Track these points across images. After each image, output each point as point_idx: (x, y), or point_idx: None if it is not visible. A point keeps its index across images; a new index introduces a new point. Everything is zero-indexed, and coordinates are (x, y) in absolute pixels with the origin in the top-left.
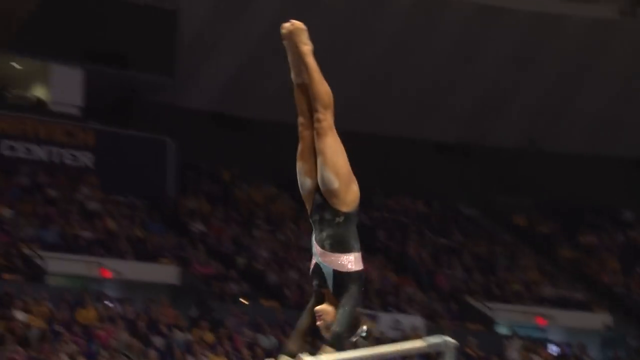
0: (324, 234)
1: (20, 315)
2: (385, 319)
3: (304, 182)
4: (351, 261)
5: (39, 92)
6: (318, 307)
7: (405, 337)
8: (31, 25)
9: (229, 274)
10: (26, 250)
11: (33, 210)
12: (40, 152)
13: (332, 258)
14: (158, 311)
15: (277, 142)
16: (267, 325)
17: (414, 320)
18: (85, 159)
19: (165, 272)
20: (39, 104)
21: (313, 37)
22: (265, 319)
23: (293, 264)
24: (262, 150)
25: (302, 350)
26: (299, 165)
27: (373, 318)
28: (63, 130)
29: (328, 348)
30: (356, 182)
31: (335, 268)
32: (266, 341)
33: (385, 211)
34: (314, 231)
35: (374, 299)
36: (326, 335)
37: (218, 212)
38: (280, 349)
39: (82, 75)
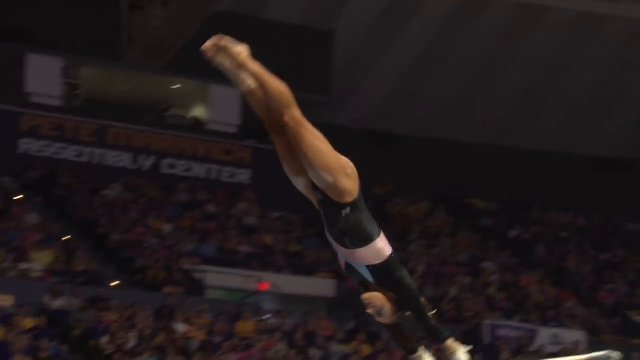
0: (337, 229)
1: (180, 327)
2: (545, 333)
3: (296, 181)
4: (378, 249)
5: (198, 111)
6: (364, 295)
7: (565, 352)
8: (191, 47)
9: None
10: (186, 265)
11: (192, 225)
12: (199, 170)
13: (359, 254)
14: (315, 324)
15: (431, 158)
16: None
17: (575, 334)
18: (243, 175)
19: (321, 286)
20: (197, 123)
21: (468, 54)
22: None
23: (449, 279)
24: (416, 166)
25: (414, 345)
26: (285, 167)
27: (532, 332)
28: (221, 148)
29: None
30: (349, 164)
31: (368, 263)
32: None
33: (544, 225)
34: (325, 226)
35: (533, 312)
36: (380, 319)
37: None
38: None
39: (239, 95)
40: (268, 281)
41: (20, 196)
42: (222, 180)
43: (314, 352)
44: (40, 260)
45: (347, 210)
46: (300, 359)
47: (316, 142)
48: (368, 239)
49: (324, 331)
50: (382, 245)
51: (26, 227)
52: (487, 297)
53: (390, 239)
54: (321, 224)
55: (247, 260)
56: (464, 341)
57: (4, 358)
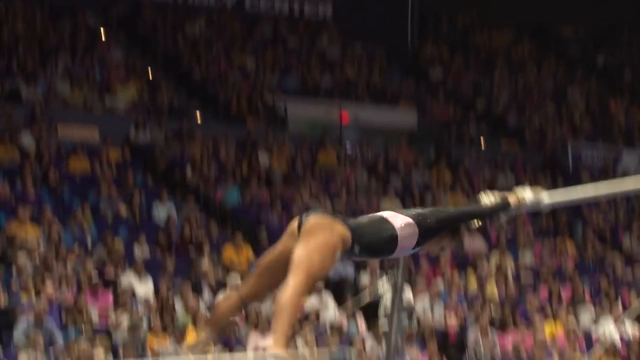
0: (372, 257)
1: (263, 159)
2: (629, 157)
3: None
4: (407, 235)
5: None
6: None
7: None
8: None
9: (468, 116)
10: (268, 97)
11: (274, 59)
12: (281, 5)
13: (402, 250)
14: (396, 154)
15: None
16: (506, 165)
17: None
18: (325, 9)
19: (403, 117)
20: None
21: None
22: (504, 160)
23: (534, 107)
24: None
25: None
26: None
27: (617, 155)
28: None
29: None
30: (326, 240)
31: (413, 246)
32: (504, 180)
33: (632, 51)
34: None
35: (618, 137)
36: (438, 250)
37: (457, 58)
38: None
39: None
40: (350, 113)
41: (105, 32)
42: (305, 16)
43: (395, 181)
44: (125, 95)
45: (356, 249)
46: (381, 188)
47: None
48: (394, 240)
49: (406, 161)
50: (403, 224)
51: (111, 63)
52: (572, 124)
53: (474, 69)
54: (404, 56)
55: (330, 92)
56: (547, 167)
57: (92, 189)
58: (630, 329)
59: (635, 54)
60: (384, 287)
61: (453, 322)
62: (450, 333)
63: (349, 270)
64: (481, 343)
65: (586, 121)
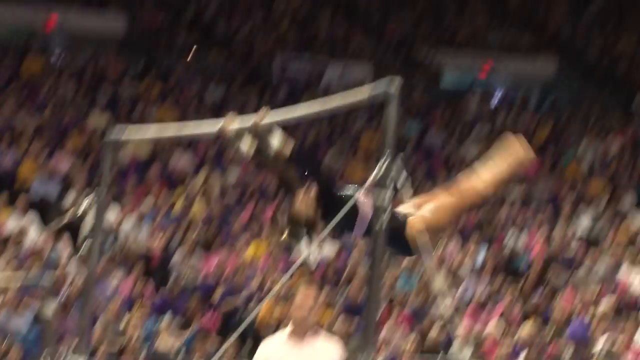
0: None
1: None
2: (333, 68)
3: None
4: None
5: None
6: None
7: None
8: None
9: (178, 24)
10: None
11: None
12: None
13: None
14: (104, 63)
15: None
16: (215, 77)
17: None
18: None
19: (112, 23)
20: None
21: None
22: (214, 71)
23: (244, 13)
24: None
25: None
26: None
27: (321, 68)
28: None
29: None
30: None
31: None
32: (215, 92)
33: None
34: None
35: (323, 48)
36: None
37: None
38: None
39: None
40: (58, 18)
41: None
42: None
43: (104, 93)
44: None
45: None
46: (89, 100)
47: None
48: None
49: (114, 71)
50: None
51: None
52: (279, 35)
53: None
54: None
55: None
56: (253, 78)
57: None
58: (327, 248)
59: None
60: (87, 207)
61: (158, 243)
62: (154, 255)
63: (52, 188)
64: (186, 265)
65: (292, 32)
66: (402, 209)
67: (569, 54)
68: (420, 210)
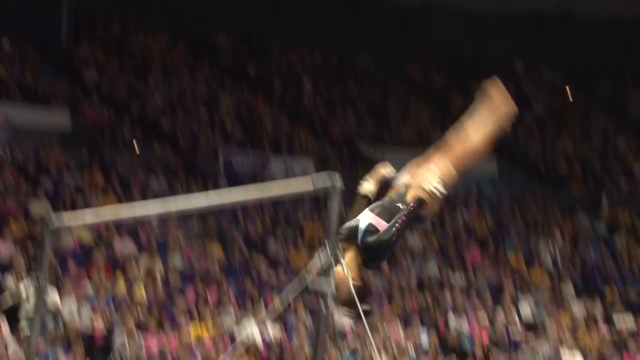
0: None
1: None
2: (276, 161)
3: None
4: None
5: None
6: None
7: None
8: None
9: (122, 120)
10: None
11: None
12: None
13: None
14: (48, 155)
15: None
16: (159, 169)
17: (305, 163)
18: None
19: (56, 118)
20: None
21: None
22: (157, 164)
23: (186, 112)
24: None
25: None
26: None
27: (265, 162)
28: None
29: None
30: None
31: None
32: (157, 184)
33: (280, 61)
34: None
35: (267, 143)
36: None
37: (112, 61)
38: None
39: None
40: (0, 113)
41: None
42: None
43: (46, 183)
44: None
45: None
46: (32, 190)
47: None
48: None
49: (57, 163)
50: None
51: None
52: (223, 130)
53: (130, 73)
54: (57, 55)
55: None
56: (198, 172)
57: None
58: (271, 330)
59: (284, 65)
60: (27, 289)
61: (100, 325)
62: (96, 336)
63: None
64: (127, 346)
65: (237, 128)
66: (401, 180)
67: (512, 153)
68: (417, 180)
